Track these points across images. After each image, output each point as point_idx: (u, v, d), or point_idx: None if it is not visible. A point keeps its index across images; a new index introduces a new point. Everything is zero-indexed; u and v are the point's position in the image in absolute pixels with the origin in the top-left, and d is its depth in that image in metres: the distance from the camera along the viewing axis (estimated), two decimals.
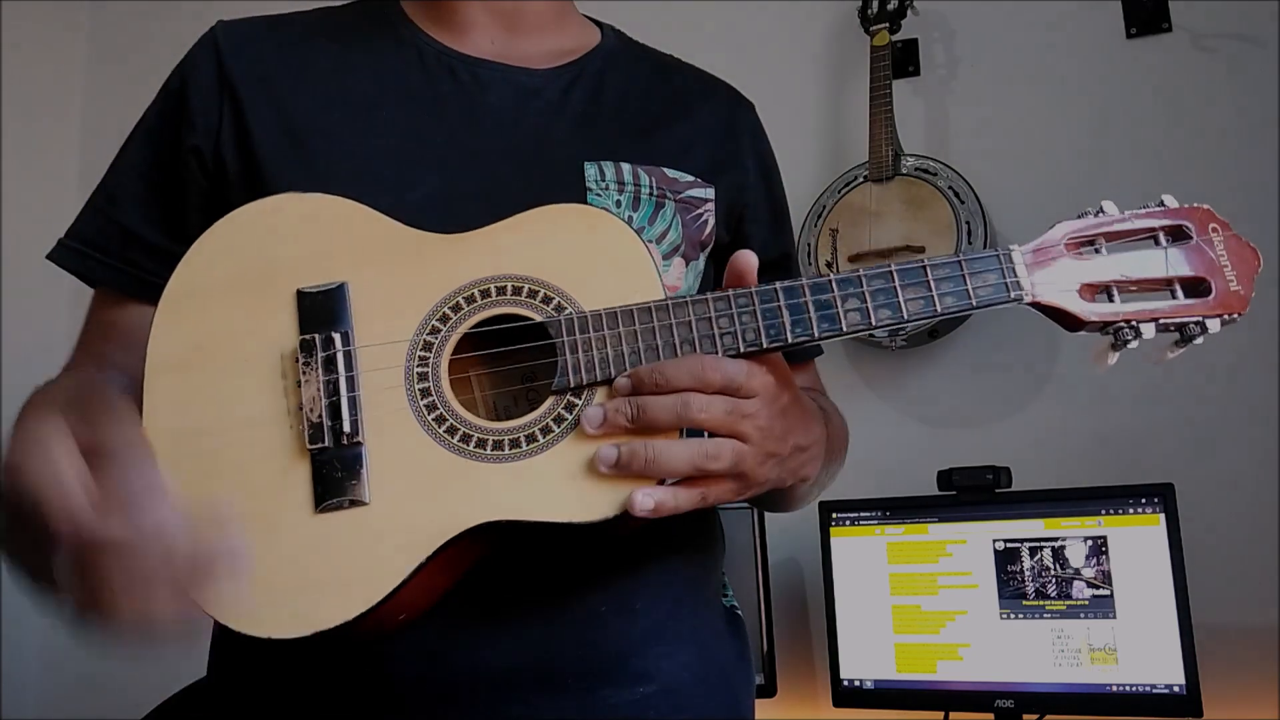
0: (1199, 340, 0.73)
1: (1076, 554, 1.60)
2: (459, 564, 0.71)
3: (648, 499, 0.67)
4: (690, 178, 0.88)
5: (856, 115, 2.05)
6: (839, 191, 1.95)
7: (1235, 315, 0.73)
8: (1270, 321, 1.73)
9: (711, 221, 0.89)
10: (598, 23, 0.97)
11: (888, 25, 1.96)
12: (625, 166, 0.85)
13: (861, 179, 1.93)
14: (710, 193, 0.89)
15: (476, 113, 0.85)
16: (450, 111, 0.85)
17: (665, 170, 0.87)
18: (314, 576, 0.66)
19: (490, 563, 0.72)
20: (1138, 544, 1.56)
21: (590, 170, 0.84)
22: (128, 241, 0.84)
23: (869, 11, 1.99)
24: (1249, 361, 1.75)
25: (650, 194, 0.85)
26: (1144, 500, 1.57)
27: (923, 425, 1.98)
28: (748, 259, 0.73)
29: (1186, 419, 1.78)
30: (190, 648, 0.68)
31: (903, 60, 2.06)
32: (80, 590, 0.58)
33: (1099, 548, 1.59)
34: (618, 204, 0.84)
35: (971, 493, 1.70)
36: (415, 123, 0.84)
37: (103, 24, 2.75)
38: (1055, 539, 1.62)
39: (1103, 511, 1.59)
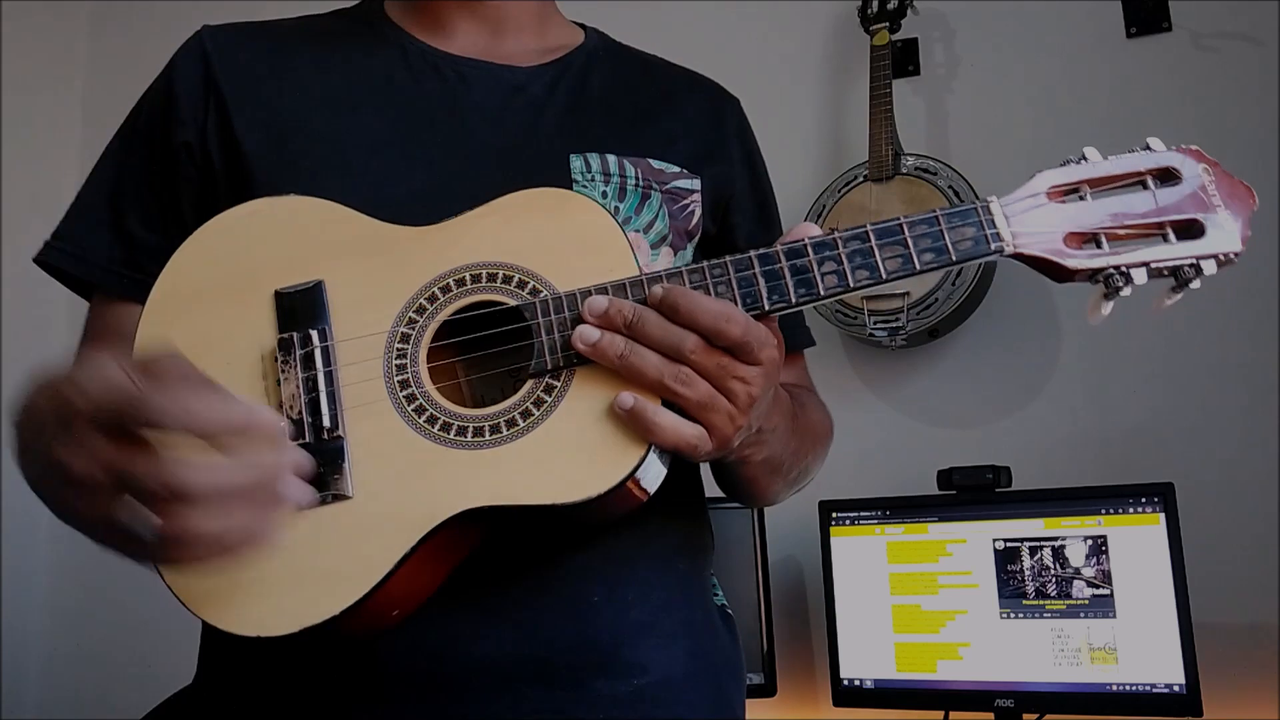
0: (1195, 284, 0.71)
1: (1076, 553, 1.60)
2: (450, 554, 0.71)
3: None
4: (676, 168, 0.88)
5: (856, 115, 2.05)
6: (839, 191, 1.95)
7: (1232, 255, 0.70)
8: (1270, 321, 1.73)
9: (698, 212, 0.89)
10: (582, 25, 0.98)
11: (888, 25, 1.96)
12: (611, 158, 0.86)
13: (861, 178, 1.93)
14: (696, 183, 0.89)
15: (461, 109, 0.85)
16: (435, 108, 0.85)
17: (651, 161, 0.87)
18: (300, 573, 0.66)
19: (481, 553, 0.73)
20: (1138, 543, 1.56)
21: (576, 162, 0.84)
22: (125, 242, 0.84)
23: (869, 11, 1.99)
24: (1249, 362, 1.75)
25: (636, 185, 0.86)
26: (1144, 500, 1.57)
27: (923, 425, 1.98)
28: (804, 230, 0.72)
29: (1186, 419, 1.78)
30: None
31: (903, 60, 2.06)
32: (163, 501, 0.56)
33: (1099, 547, 1.59)
34: (604, 195, 0.84)
35: (971, 492, 1.70)
36: (400, 120, 0.84)
37: (103, 24, 2.74)
38: (1055, 538, 1.61)
39: (1103, 511, 1.59)
